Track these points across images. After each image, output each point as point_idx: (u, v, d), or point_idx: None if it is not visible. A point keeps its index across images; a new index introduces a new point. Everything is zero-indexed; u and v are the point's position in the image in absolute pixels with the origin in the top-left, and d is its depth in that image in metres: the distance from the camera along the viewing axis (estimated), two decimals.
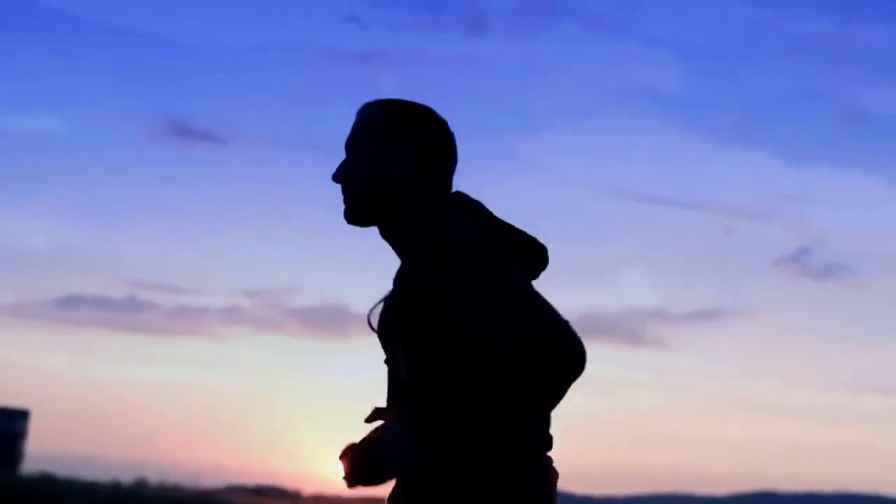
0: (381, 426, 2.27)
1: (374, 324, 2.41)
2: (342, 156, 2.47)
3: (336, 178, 2.45)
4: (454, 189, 2.47)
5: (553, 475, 2.31)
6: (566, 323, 2.30)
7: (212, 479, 23.00)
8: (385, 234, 2.44)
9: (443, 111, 2.51)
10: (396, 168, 2.39)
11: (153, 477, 22.18)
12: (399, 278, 2.35)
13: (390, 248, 2.45)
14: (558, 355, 2.26)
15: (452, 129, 2.48)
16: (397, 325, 2.31)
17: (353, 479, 2.30)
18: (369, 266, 2.30)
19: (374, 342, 2.45)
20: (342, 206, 2.45)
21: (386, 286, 2.41)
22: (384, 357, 2.41)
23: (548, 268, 2.43)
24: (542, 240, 2.42)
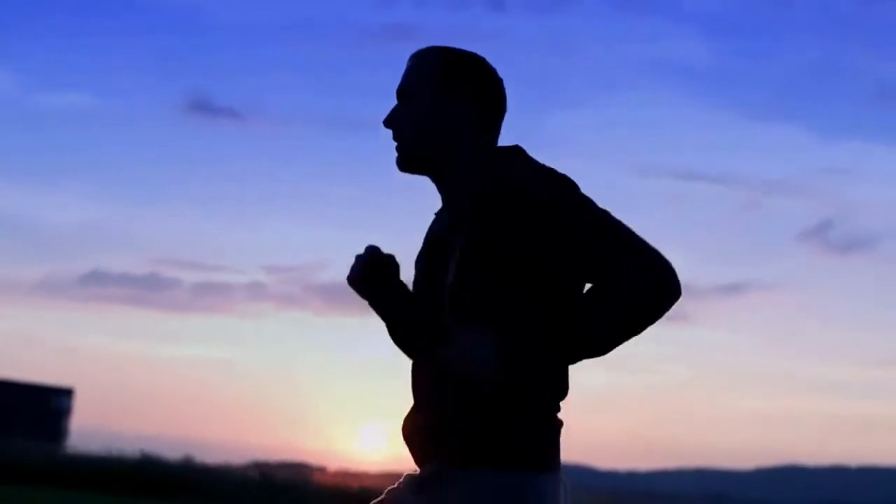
0: (462, 332, 2.24)
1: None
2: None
3: (387, 123, 2.43)
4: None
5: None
6: (657, 251, 2.28)
7: (236, 455, 22.94)
8: (438, 184, 2.43)
9: None
10: (452, 118, 2.38)
11: (174, 453, 22.15)
12: (463, 206, 2.34)
13: (430, 207, 2.47)
14: (659, 277, 2.24)
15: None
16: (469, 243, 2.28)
17: (360, 281, 2.38)
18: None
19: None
20: (394, 154, 2.42)
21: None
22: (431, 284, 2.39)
23: None
24: None
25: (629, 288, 2.21)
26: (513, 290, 2.24)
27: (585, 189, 2.30)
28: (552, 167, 2.31)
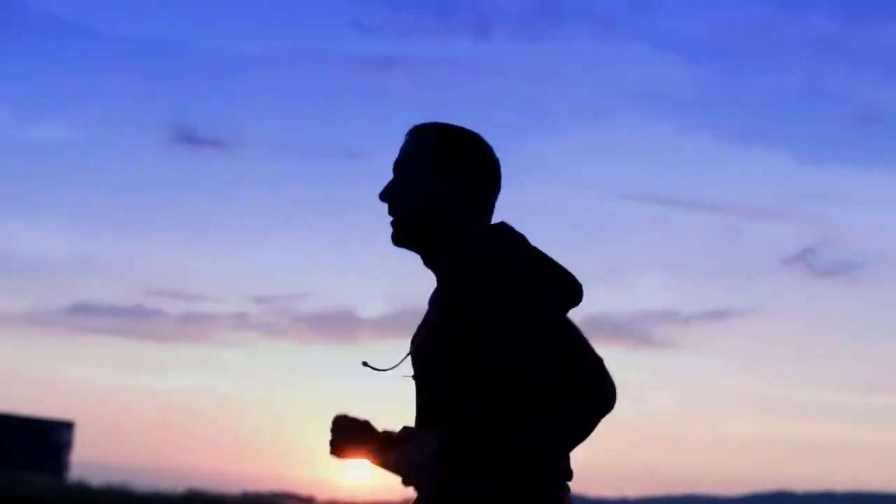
0: (413, 432, 2.27)
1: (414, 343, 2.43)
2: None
3: (383, 197, 2.45)
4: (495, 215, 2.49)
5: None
6: (600, 360, 2.28)
7: (225, 485, 23.28)
8: (428, 261, 2.45)
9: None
10: (446, 193, 2.39)
11: (165, 483, 22.49)
12: (440, 296, 2.35)
13: (416, 264, 2.47)
14: (592, 390, 2.24)
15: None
16: (441, 339, 2.29)
17: (337, 449, 2.34)
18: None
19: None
20: (389, 228, 2.44)
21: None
22: (412, 374, 2.40)
23: (580, 303, 2.42)
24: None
25: (568, 413, 2.22)
26: (466, 388, 2.25)
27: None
28: (531, 255, 2.34)
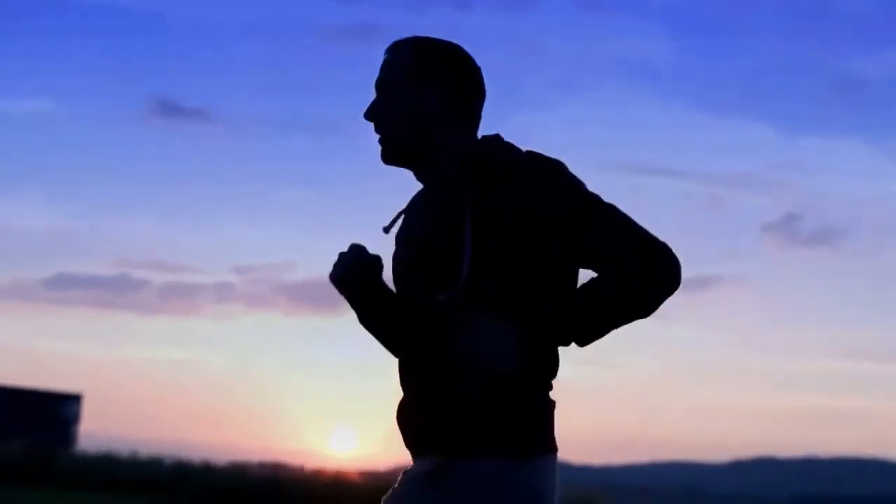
0: (479, 323, 2.24)
1: (391, 228, 2.45)
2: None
3: (368, 116, 2.43)
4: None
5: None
6: (647, 231, 2.30)
7: (212, 455, 23.57)
8: (421, 176, 2.44)
9: None
10: (432, 107, 2.38)
11: (156, 453, 22.83)
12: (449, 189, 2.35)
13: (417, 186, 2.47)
14: (655, 265, 2.27)
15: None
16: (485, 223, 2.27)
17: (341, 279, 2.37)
18: (359, 241, 2.43)
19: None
20: (377, 147, 2.43)
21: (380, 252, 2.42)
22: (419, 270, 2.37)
23: None
24: None
25: (626, 279, 2.24)
26: (517, 275, 2.25)
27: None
28: (539, 152, 2.34)
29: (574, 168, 2.29)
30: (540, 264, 2.26)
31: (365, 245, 2.39)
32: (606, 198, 2.29)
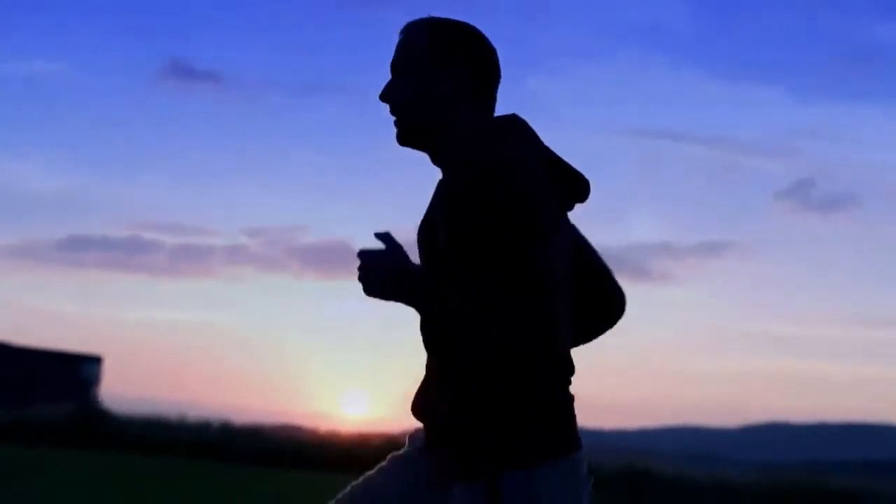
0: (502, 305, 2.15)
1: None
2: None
3: (383, 97, 2.42)
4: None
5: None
6: (609, 271, 2.44)
7: (226, 418, 23.76)
8: (436, 159, 2.41)
9: None
10: (447, 88, 2.37)
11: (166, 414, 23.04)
12: (446, 195, 2.26)
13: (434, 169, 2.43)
14: (604, 298, 2.42)
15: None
16: (455, 225, 2.21)
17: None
18: (372, 204, 2.39)
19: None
20: (392, 129, 2.41)
21: (390, 222, 2.34)
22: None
23: (586, 201, 2.41)
24: None
25: (592, 319, 2.44)
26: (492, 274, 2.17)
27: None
28: (543, 152, 2.32)
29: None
30: (530, 284, 2.17)
31: (382, 231, 2.26)
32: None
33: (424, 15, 2.43)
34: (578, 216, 2.42)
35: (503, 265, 2.16)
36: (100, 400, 29.51)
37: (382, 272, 2.22)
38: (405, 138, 2.40)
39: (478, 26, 2.43)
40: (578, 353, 2.35)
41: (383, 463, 2.43)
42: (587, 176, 2.37)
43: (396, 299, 2.23)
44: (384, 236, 2.26)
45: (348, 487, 2.43)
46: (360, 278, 2.24)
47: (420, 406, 2.36)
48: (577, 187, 2.37)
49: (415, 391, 2.40)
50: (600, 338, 2.49)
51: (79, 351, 35.01)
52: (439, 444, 2.31)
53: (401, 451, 2.41)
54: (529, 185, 2.20)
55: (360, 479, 2.41)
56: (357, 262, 2.26)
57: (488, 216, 2.16)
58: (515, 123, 2.35)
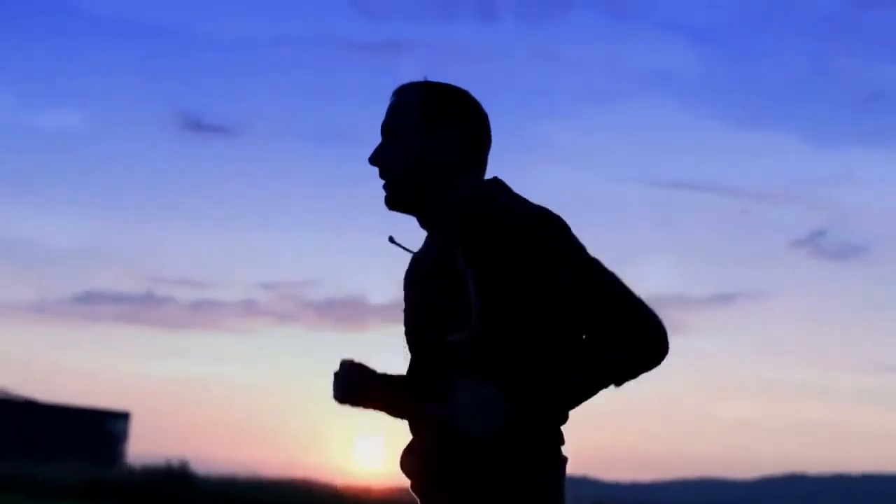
0: (454, 384, 2.18)
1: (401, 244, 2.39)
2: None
3: (373, 161, 2.38)
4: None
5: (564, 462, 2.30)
6: (642, 303, 2.26)
7: (238, 472, 23.97)
8: (425, 223, 2.38)
9: None
10: (438, 153, 2.33)
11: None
12: (453, 239, 2.28)
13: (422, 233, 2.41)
14: (646, 329, 2.23)
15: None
16: (453, 278, 2.22)
17: (343, 396, 2.29)
18: (385, 257, 2.36)
19: (392, 331, 2.40)
20: (381, 192, 2.39)
21: (403, 275, 2.39)
22: (412, 320, 2.35)
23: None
24: None
25: (614, 353, 2.21)
26: (510, 336, 2.20)
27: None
28: (544, 206, 2.28)
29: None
30: (534, 327, 2.20)
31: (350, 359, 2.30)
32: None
33: (419, 78, 2.41)
34: None
35: (541, 324, 2.18)
36: (126, 456, 29.67)
37: (356, 376, 2.27)
38: (394, 203, 2.38)
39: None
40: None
41: None
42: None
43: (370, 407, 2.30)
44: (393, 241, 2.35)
45: None
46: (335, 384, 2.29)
47: (407, 468, 2.34)
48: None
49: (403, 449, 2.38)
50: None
51: (106, 407, 35.01)
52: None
53: None
54: (575, 239, 2.23)
55: None
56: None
57: (548, 269, 2.18)
58: (499, 183, 2.35)
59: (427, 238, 2.39)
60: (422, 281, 2.34)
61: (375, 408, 2.32)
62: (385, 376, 2.31)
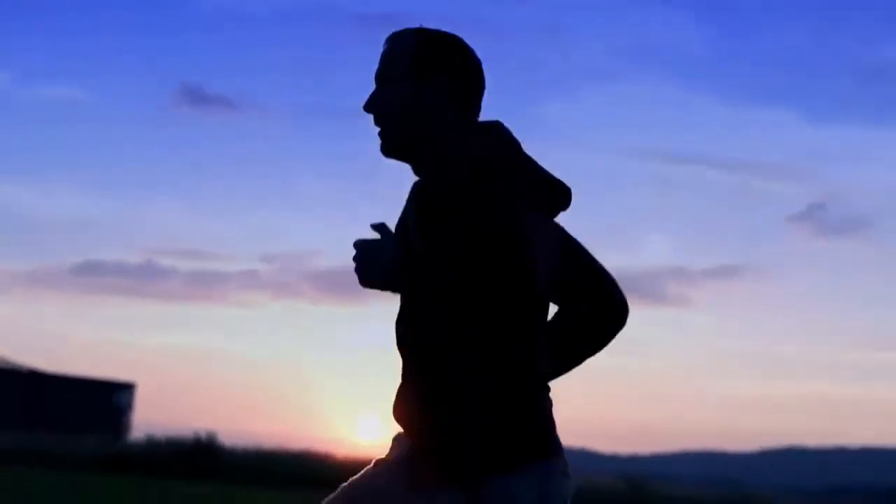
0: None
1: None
2: (359, 120, 2.41)
3: (368, 107, 2.39)
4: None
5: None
6: (605, 273, 2.31)
7: (240, 443, 24.20)
8: (419, 170, 2.40)
9: None
10: (431, 99, 2.35)
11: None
12: (436, 190, 2.33)
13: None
14: (602, 298, 2.30)
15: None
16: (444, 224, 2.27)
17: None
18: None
19: (394, 303, 2.40)
20: (377, 139, 2.39)
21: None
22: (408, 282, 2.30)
23: (570, 207, 2.36)
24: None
25: (582, 321, 2.30)
26: (493, 300, 2.22)
27: (579, 172, 2.49)
28: (521, 157, 2.32)
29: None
30: (512, 289, 2.23)
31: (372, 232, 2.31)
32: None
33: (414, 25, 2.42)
34: (593, 239, 2.39)
35: (487, 268, 2.20)
36: (131, 427, 29.81)
37: (380, 259, 2.24)
38: (389, 149, 2.39)
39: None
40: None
41: (369, 466, 2.40)
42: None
43: (394, 288, 2.28)
44: (380, 227, 2.30)
45: (338, 490, 2.39)
46: (357, 268, 2.27)
47: (400, 411, 2.37)
48: (559, 195, 2.34)
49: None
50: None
51: (111, 378, 35.13)
52: (421, 447, 2.32)
53: (386, 455, 2.40)
54: (507, 186, 2.24)
55: (348, 482, 2.38)
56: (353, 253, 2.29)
57: (470, 215, 2.21)
58: (498, 128, 2.37)
59: (408, 197, 2.43)
60: (405, 237, 2.37)
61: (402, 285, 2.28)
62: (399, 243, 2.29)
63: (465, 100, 2.38)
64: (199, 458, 21.87)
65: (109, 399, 33.98)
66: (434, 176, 2.35)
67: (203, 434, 22.95)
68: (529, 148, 2.36)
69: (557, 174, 2.35)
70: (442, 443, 2.27)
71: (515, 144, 2.35)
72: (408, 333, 2.35)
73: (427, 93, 2.35)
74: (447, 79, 2.36)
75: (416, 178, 2.42)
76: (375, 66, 2.41)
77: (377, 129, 2.39)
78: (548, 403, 2.32)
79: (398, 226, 2.43)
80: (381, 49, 2.40)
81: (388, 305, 2.41)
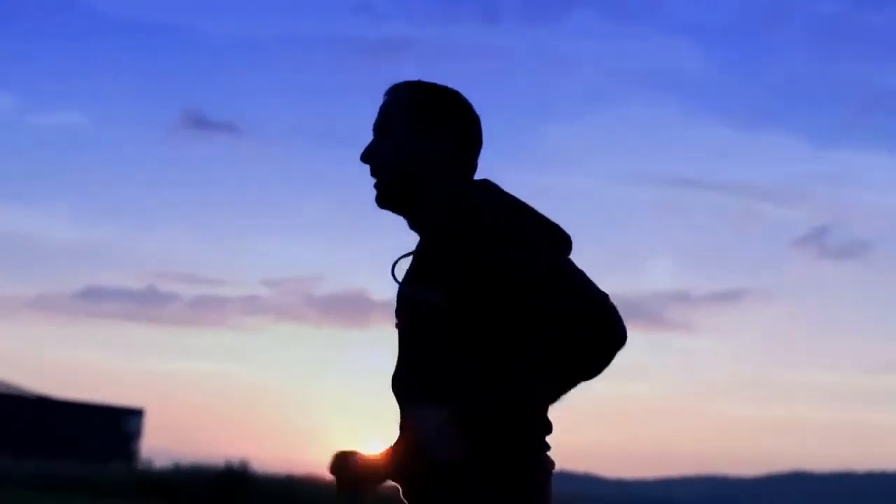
0: (419, 414, 2.22)
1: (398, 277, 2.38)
2: (360, 147, 2.42)
3: (364, 158, 2.39)
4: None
5: (551, 467, 2.30)
6: (605, 297, 2.20)
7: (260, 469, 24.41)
8: (413, 224, 2.40)
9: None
10: (428, 154, 2.34)
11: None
12: (433, 245, 2.33)
13: (413, 234, 2.42)
14: (603, 321, 2.17)
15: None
16: (436, 278, 2.26)
17: (343, 487, 2.30)
18: (389, 253, 2.39)
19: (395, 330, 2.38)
20: (372, 190, 2.40)
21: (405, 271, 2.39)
22: (401, 325, 2.35)
23: (571, 253, 2.32)
24: (565, 226, 2.33)
25: (567, 341, 2.15)
26: (480, 341, 2.21)
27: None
28: (521, 202, 2.29)
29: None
30: (506, 328, 2.22)
31: (338, 456, 2.32)
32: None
33: (412, 78, 2.43)
34: (595, 263, 2.33)
35: (489, 312, 2.20)
36: (139, 453, 29.81)
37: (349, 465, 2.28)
38: (385, 200, 2.38)
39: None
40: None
41: None
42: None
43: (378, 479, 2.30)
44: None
45: None
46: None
47: (394, 466, 2.33)
48: (561, 238, 2.31)
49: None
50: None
51: (121, 404, 35.14)
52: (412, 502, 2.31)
53: None
54: (518, 226, 2.22)
55: None
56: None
57: (475, 257, 2.20)
58: (488, 184, 2.35)
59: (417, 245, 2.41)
60: (406, 280, 2.37)
61: (379, 481, 2.32)
62: (371, 458, 2.30)
63: (464, 155, 2.38)
64: (232, 486, 21.92)
65: (119, 425, 34.04)
66: (434, 221, 2.34)
67: (235, 462, 23.04)
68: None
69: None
70: (432, 499, 2.26)
71: (512, 196, 2.34)
72: (401, 387, 2.35)
73: (424, 147, 2.35)
74: (445, 133, 2.36)
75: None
76: (378, 93, 2.44)
77: (373, 181, 2.40)
78: (546, 466, 2.28)
79: (399, 299, 2.40)
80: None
81: (393, 328, 2.41)
